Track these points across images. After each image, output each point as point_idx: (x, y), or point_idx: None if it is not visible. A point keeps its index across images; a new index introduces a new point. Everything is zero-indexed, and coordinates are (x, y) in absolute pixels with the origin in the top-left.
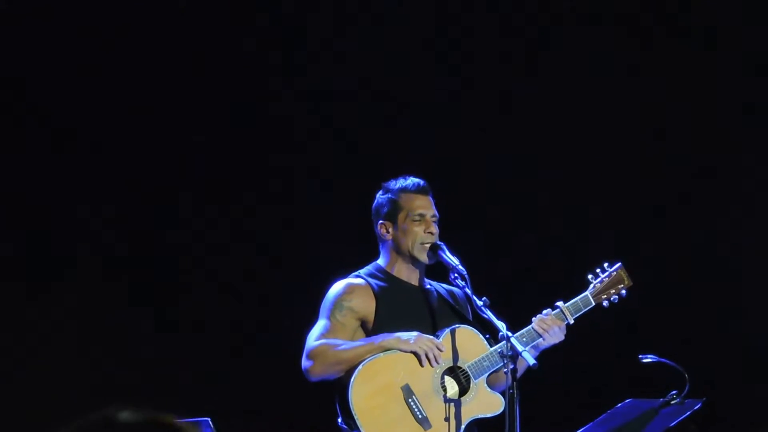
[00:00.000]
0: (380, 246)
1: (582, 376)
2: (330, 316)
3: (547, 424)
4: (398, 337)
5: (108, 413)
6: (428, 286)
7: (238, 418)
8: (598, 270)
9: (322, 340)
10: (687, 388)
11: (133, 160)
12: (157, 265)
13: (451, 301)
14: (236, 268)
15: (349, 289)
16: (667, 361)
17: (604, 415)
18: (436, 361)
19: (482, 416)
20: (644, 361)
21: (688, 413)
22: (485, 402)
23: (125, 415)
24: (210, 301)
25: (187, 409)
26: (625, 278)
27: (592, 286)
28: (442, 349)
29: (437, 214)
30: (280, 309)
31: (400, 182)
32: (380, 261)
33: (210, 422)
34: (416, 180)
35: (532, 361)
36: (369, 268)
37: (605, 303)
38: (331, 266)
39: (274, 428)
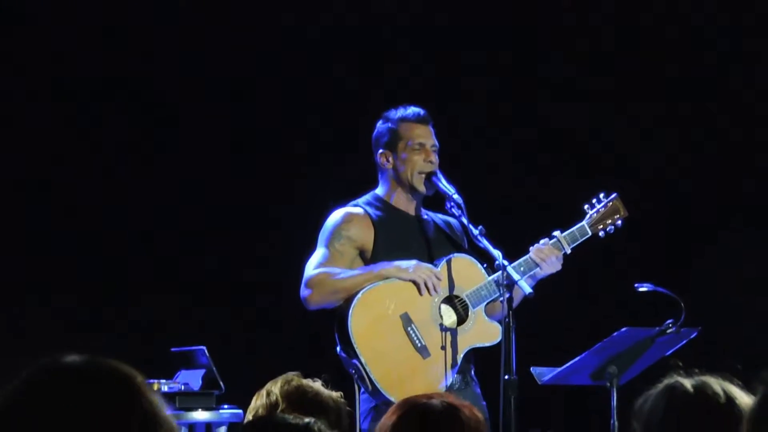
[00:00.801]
0: (379, 175)
1: (578, 305)
2: (328, 245)
3: (544, 353)
4: (397, 266)
5: (54, 358)
6: (425, 216)
7: (235, 346)
8: (594, 200)
9: (321, 269)
10: (683, 317)
11: None
12: None
13: (447, 230)
14: None
15: (348, 218)
16: (664, 290)
17: (600, 343)
18: (435, 289)
19: (480, 345)
20: (640, 289)
21: (684, 342)
22: (483, 331)
23: (71, 359)
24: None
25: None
26: (621, 208)
27: (588, 216)
28: (441, 277)
29: (437, 144)
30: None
31: (400, 111)
32: (379, 190)
33: (205, 350)
34: (416, 109)
35: (528, 290)
36: (367, 197)
37: (601, 233)
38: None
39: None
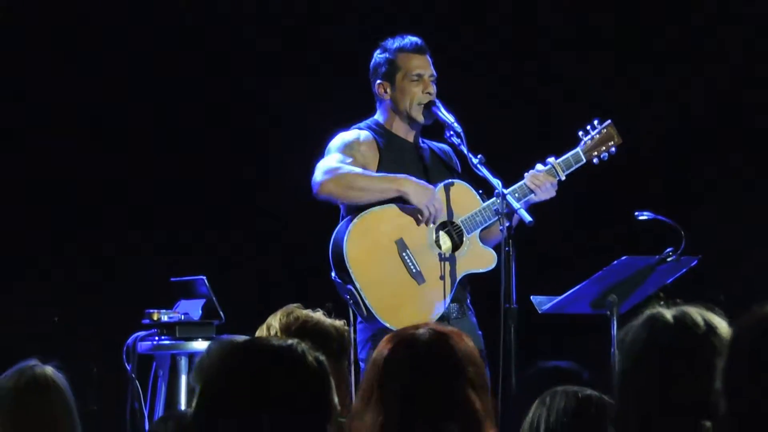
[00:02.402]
0: (378, 105)
1: (577, 234)
2: (343, 152)
3: (543, 283)
4: (415, 186)
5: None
6: (423, 144)
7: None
8: (588, 126)
9: (340, 163)
10: (683, 245)
11: None
12: None
13: (444, 158)
14: None
15: (359, 137)
16: (663, 218)
17: (600, 272)
18: (433, 222)
19: (475, 271)
20: (640, 218)
21: (684, 270)
22: (478, 257)
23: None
24: None
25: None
26: (615, 135)
27: (582, 142)
28: (441, 211)
29: (435, 74)
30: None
31: (398, 41)
32: (378, 117)
33: (205, 280)
34: (414, 39)
35: (528, 218)
36: (368, 122)
37: (595, 160)
38: None
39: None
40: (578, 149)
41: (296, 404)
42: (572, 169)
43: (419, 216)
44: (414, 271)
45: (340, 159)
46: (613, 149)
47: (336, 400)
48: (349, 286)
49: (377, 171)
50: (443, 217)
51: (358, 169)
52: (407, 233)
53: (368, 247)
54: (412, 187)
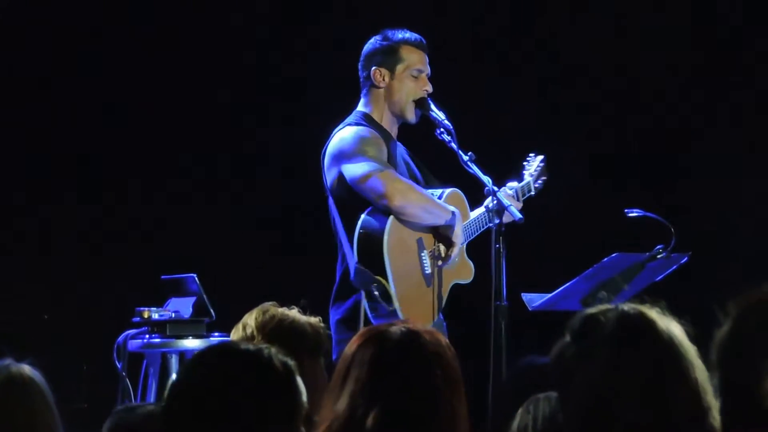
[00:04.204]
0: (364, 92)
1: (568, 231)
2: (366, 153)
3: (534, 280)
4: (459, 224)
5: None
6: (397, 140)
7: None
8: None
9: (396, 178)
10: (673, 242)
11: None
12: None
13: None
14: None
15: (372, 134)
16: (654, 215)
17: (591, 269)
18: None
19: (459, 282)
20: (630, 215)
21: (675, 267)
22: (463, 268)
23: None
24: None
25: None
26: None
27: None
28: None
29: (430, 73)
30: None
31: (402, 33)
32: (365, 108)
33: (196, 278)
34: (417, 35)
35: (518, 215)
36: (357, 118)
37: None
38: None
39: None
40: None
41: (263, 411)
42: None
43: (447, 241)
44: (426, 272)
45: (372, 163)
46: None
47: (305, 403)
48: (379, 277)
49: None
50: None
51: (428, 194)
52: (424, 234)
53: (400, 240)
54: (459, 225)
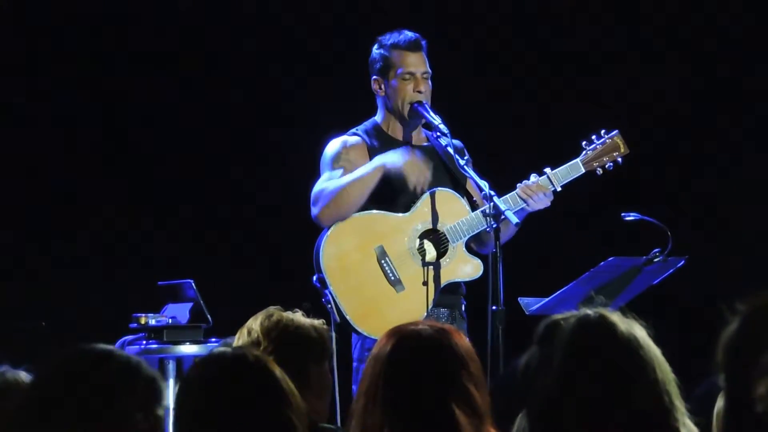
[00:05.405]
0: (377, 101)
1: (565, 236)
2: (332, 169)
3: (531, 284)
4: (387, 154)
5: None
6: (426, 144)
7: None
8: (593, 136)
9: (325, 184)
10: (670, 246)
11: None
12: None
13: (446, 159)
14: None
15: (346, 146)
16: (650, 219)
17: (587, 273)
18: (421, 189)
19: (459, 280)
20: (627, 219)
21: (671, 271)
22: (462, 266)
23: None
24: None
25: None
26: (622, 145)
27: (583, 152)
28: (427, 175)
29: (429, 71)
30: None
31: (393, 37)
32: (377, 117)
33: (192, 284)
34: (409, 35)
35: (515, 220)
36: (366, 124)
37: (598, 170)
38: None
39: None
40: (577, 159)
41: (251, 418)
42: (569, 180)
43: (407, 185)
44: (393, 278)
45: (326, 178)
46: (620, 159)
47: (295, 410)
48: (327, 291)
49: None
50: (428, 224)
51: (336, 175)
52: (387, 240)
53: (345, 255)
54: (386, 157)
